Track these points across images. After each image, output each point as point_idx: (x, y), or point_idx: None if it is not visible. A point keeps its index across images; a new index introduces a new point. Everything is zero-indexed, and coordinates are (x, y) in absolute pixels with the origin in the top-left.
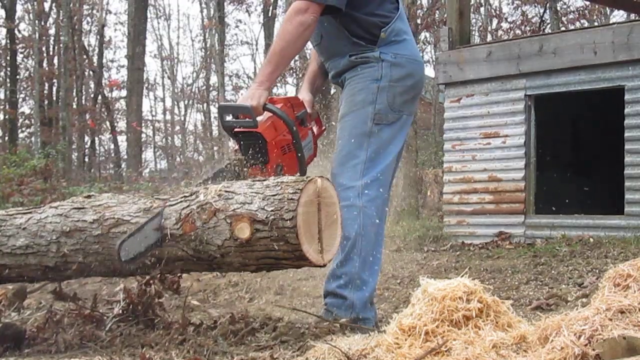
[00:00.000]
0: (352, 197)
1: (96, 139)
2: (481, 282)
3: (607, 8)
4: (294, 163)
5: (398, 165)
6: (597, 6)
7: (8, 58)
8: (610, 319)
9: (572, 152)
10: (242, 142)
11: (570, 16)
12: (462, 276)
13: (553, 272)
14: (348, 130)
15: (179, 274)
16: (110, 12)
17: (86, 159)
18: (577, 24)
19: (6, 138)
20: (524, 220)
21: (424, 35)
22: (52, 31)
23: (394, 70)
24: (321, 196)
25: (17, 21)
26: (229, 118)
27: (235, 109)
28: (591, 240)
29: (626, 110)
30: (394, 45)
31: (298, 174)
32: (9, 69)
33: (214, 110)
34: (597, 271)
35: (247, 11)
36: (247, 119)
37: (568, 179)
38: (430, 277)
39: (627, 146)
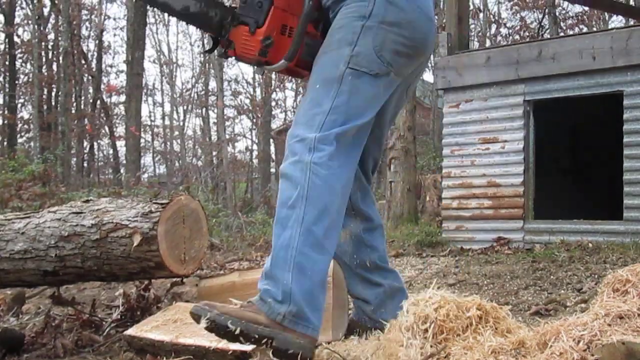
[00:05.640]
0: (301, 151)
1: (95, 144)
2: (479, 287)
3: (606, 13)
4: (283, 49)
5: (381, 148)
6: (595, 12)
7: (7, 63)
8: (609, 325)
9: (571, 158)
10: None
11: (569, 21)
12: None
13: (552, 277)
14: (316, 74)
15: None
16: (109, 17)
17: (85, 164)
18: (576, 30)
19: (5, 143)
20: (523, 226)
21: None
22: (51, 36)
23: (389, 10)
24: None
25: (16, 26)
26: None
27: None
28: (590, 245)
29: (625, 116)
30: None
31: (281, 61)
32: (7, 74)
33: (212, 115)
34: (596, 276)
35: None
36: None
37: (567, 184)
38: (429, 282)
39: (625, 151)
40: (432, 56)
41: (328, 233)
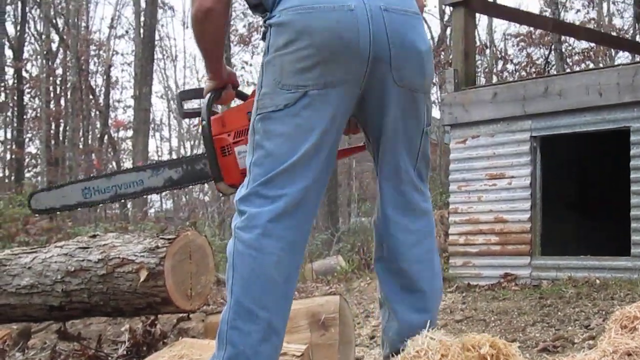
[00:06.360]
0: (233, 220)
1: None
2: (486, 323)
3: (612, 49)
4: (229, 169)
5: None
6: (602, 48)
7: (15, 98)
8: None
9: (578, 193)
10: None
11: (575, 57)
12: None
13: (559, 313)
14: None
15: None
16: (117, 53)
17: None
18: (582, 66)
19: (12, 178)
20: (530, 262)
21: None
22: (59, 71)
23: (280, 32)
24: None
25: (24, 61)
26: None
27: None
28: (597, 281)
29: (632, 152)
30: (282, 1)
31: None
32: (16, 108)
33: None
34: (604, 313)
35: (252, 52)
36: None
37: (574, 220)
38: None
39: (632, 187)
40: (438, 92)
41: (262, 297)
